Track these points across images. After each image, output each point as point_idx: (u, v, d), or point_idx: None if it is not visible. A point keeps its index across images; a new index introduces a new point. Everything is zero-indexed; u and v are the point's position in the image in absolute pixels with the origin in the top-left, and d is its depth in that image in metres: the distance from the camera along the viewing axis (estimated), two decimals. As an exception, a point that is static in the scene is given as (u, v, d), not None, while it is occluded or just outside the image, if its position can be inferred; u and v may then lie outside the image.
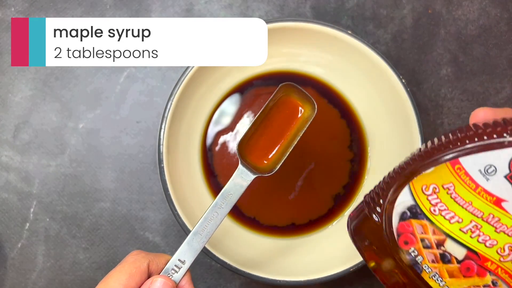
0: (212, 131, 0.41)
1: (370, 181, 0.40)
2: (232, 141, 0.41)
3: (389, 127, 0.39)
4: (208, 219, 0.31)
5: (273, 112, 0.34)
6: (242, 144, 0.34)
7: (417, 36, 0.43)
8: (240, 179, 0.32)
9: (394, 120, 0.39)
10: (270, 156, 0.34)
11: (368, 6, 0.43)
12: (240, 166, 0.33)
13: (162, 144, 0.36)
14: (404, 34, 0.43)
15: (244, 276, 0.36)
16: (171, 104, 0.37)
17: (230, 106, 0.41)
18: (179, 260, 0.30)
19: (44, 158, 0.42)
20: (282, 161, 0.33)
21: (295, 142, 0.34)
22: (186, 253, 0.31)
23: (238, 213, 0.40)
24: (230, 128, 0.41)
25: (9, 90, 0.42)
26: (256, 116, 0.34)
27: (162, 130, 0.37)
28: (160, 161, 0.36)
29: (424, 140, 0.37)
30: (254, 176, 0.33)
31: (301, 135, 0.34)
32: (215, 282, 0.41)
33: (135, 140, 0.42)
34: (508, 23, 0.44)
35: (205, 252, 0.36)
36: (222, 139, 0.41)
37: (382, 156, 0.40)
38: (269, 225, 0.40)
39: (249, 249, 0.39)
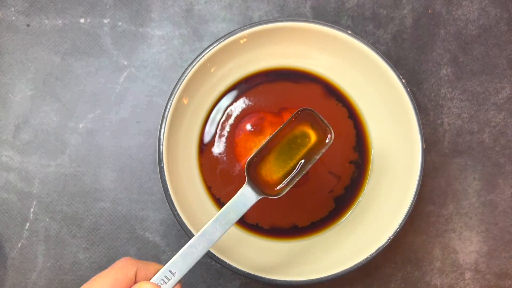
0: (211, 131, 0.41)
1: (372, 182, 0.40)
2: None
3: (390, 127, 0.39)
4: (207, 233, 0.30)
5: (288, 135, 0.34)
6: (251, 163, 0.33)
7: (417, 36, 0.43)
8: (245, 197, 0.32)
9: (394, 120, 0.39)
10: (278, 179, 0.33)
11: (368, 6, 0.43)
12: (246, 184, 0.32)
13: (162, 144, 0.36)
14: (404, 34, 0.43)
15: (244, 276, 0.36)
16: (171, 104, 0.37)
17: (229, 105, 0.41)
18: (170, 271, 0.29)
19: (44, 158, 0.42)
20: (291, 186, 0.33)
21: (307, 168, 0.33)
22: (178, 265, 0.29)
23: (240, 221, 0.39)
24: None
25: (9, 90, 0.42)
26: (269, 137, 0.33)
27: (162, 130, 0.37)
28: (160, 161, 0.36)
29: (424, 140, 0.37)
30: (260, 197, 0.32)
31: (313, 162, 0.33)
32: (215, 282, 0.41)
33: (135, 140, 0.42)
34: (508, 23, 0.44)
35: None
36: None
37: (383, 156, 0.40)
38: (272, 228, 0.40)
39: (249, 249, 0.39)
